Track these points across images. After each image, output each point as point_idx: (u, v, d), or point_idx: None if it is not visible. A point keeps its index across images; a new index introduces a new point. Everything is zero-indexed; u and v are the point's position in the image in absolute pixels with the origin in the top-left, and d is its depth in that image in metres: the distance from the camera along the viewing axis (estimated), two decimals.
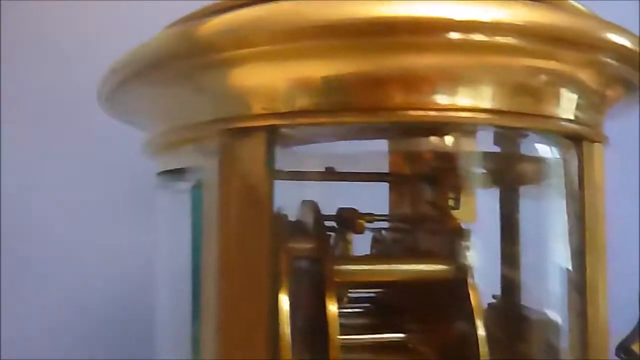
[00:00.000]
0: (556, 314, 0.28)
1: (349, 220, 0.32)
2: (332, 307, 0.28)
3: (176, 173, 0.29)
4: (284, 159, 0.24)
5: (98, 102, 0.30)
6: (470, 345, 0.29)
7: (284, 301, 0.27)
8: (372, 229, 0.36)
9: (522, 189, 0.32)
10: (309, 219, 0.31)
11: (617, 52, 0.22)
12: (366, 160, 0.29)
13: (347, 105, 0.21)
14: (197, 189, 0.26)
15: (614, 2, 0.79)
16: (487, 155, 0.27)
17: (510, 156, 0.27)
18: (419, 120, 0.21)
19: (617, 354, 0.53)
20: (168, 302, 0.34)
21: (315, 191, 0.33)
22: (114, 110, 0.30)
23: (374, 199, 0.37)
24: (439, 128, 0.22)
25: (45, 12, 0.51)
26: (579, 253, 0.26)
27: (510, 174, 0.30)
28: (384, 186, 0.37)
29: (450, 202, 0.34)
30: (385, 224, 0.35)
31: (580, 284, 0.25)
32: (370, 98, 0.21)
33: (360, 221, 0.32)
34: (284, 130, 0.22)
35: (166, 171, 0.29)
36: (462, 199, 0.34)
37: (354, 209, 0.33)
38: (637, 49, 0.23)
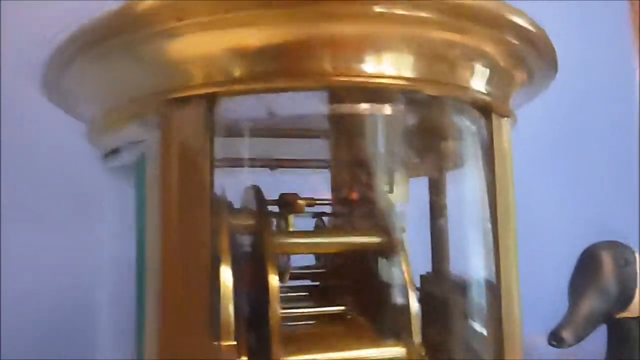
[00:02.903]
0: (480, 276, 0.30)
1: (290, 202, 0.34)
2: (273, 279, 0.29)
3: (118, 153, 0.30)
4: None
5: (42, 88, 0.31)
6: (403, 314, 0.31)
7: (227, 276, 0.28)
8: (314, 216, 0.38)
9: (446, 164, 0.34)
10: (251, 205, 0.33)
11: (517, 31, 0.25)
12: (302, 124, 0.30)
13: (279, 72, 0.23)
14: (140, 164, 0.27)
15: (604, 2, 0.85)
16: (411, 132, 0.30)
17: (430, 129, 0.29)
18: (345, 85, 0.23)
19: (549, 341, 0.56)
20: (113, 289, 0.35)
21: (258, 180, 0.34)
22: (58, 95, 0.30)
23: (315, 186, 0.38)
24: (365, 94, 0.24)
25: None
26: (492, 219, 0.28)
27: (432, 150, 0.33)
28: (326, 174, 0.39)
29: (385, 187, 0.36)
30: (325, 209, 0.37)
31: (494, 244, 0.28)
32: (301, 65, 0.23)
33: (301, 202, 0.33)
34: (222, 99, 0.23)
35: (109, 153, 0.30)
36: (395, 183, 0.36)
37: (295, 194, 0.35)
38: (534, 29, 0.26)
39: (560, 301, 0.57)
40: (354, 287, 0.33)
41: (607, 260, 0.61)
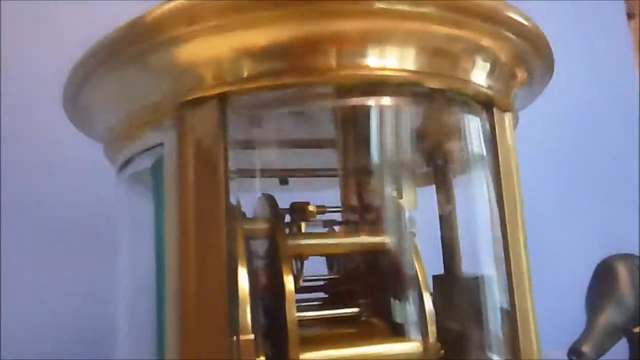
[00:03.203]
0: (491, 270, 0.30)
1: (301, 209, 0.35)
2: (288, 281, 0.30)
3: (135, 161, 0.31)
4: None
5: (63, 105, 0.32)
6: (418, 314, 0.31)
7: (243, 277, 0.29)
8: (324, 224, 0.38)
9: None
10: (264, 212, 0.34)
11: (515, 27, 0.26)
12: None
13: (286, 69, 0.24)
14: (157, 169, 0.28)
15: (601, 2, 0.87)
16: (417, 133, 0.31)
17: (435, 128, 0.30)
18: (350, 78, 0.24)
19: (569, 356, 0.56)
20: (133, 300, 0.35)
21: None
22: (77, 111, 0.32)
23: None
24: (369, 88, 0.25)
25: None
26: (500, 215, 0.29)
27: (438, 152, 0.34)
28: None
29: (393, 193, 0.36)
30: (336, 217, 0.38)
31: (503, 238, 0.28)
32: (307, 61, 0.24)
33: (311, 208, 0.34)
34: (234, 97, 0.25)
35: (125, 163, 0.31)
36: (404, 189, 0.37)
37: (307, 202, 0.35)
38: (531, 27, 0.27)
39: (576, 313, 0.57)
40: (367, 291, 0.34)
41: (622, 272, 0.61)
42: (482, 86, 0.27)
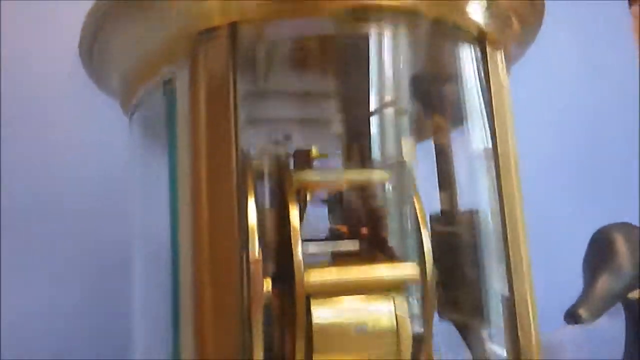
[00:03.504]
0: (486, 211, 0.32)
1: (304, 154, 0.36)
2: (294, 215, 0.32)
3: (148, 103, 0.32)
4: None
5: (81, 59, 0.34)
6: (416, 249, 0.33)
7: (252, 211, 0.31)
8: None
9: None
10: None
11: None
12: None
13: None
14: (170, 105, 0.30)
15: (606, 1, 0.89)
16: (413, 77, 0.32)
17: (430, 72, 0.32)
18: (351, 6, 0.26)
19: (565, 319, 0.58)
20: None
21: None
22: (93, 62, 0.34)
23: None
24: (370, 15, 0.27)
25: None
26: (494, 153, 0.30)
27: (434, 96, 0.35)
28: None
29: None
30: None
31: (497, 178, 0.30)
32: None
33: (315, 151, 0.36)
34: (243, 28, 0.27)
35: (138, 106, 0.33)
36: (403, 138, 0.38)
37: (309, 149, 0.37)
38: None
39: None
40: (367, 230, 0.35)
41: (619, 240, 0.63)
42: (477, 21, 0.29)
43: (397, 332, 0.31)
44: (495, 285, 0.32)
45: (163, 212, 0.32)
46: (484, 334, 0.34)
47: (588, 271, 0.62)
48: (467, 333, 0.34)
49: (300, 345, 0.31)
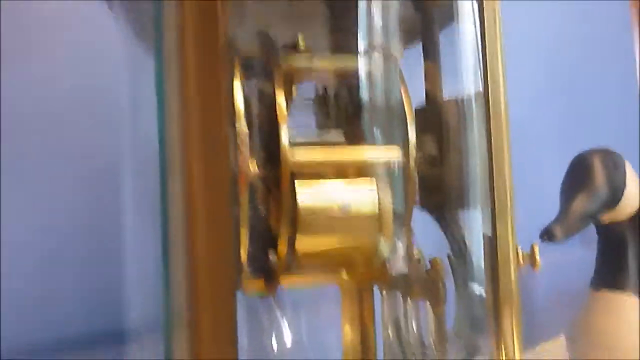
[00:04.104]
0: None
1: (290, 45, 0.36)
2: (280, 97, 0.32)
3: None
4: None
5: None
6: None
7: (239, 94, 0.31)
8: None
9: None
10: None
11: None
12: None
13: None
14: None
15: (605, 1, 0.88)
16: None
17: None
18: None
19: (541, 237, 0.59)
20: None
21: None
22: None
23: None
24: None
25: None
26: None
27: None
28: None
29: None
30: None
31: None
32: None
33: (302, 40, 0.36)
34: None
35: None
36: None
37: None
38: None
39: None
40: (352, 120, 0.36)
41: (597, 164, 0.64)
42: None
43: (379, 216, 0.32)
44: (478, 172, 0.32)
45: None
46: (463, 223, 0.35)
47: (565, 193, 0.64)
48: (446, 223, 0.35)
49: (285, 226, 0.31)
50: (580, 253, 0.70)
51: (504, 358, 0.29)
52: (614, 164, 0.65)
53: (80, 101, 0.52)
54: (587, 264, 0.69)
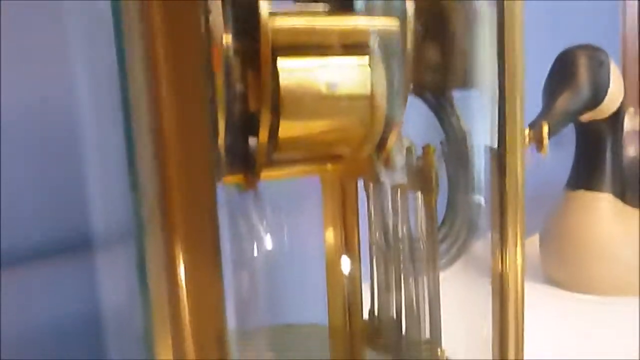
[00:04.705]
0: None
1: None
2: None
3: None
4: None
5: None
6: None
7: None
8: None
9: None
10: None
11: None
12: None
13: None
14: None
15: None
16: None
17: None
18: None
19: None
20: None
21: None
22: None
23: None
24: None
25: None
26: None
27: None
28: None
29: None
30: None
31: None
32: None
33: None
34: None
35: None
36: None
37: None
38: None
39: None
40: None
41: (582, 61, 0.62)
42: None
43: (370, 96, 0.29)
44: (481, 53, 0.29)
45: None
46: (459, 110, 0.32)
47: (549, 89, 0.62)
48: (442, 109, 0.32)
49: (265, 109, 0.28)
50: (554, 153, 0.69)
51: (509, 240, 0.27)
52: (599, 61, 0.63)
53: None
54: (561, 165, 0.68)
